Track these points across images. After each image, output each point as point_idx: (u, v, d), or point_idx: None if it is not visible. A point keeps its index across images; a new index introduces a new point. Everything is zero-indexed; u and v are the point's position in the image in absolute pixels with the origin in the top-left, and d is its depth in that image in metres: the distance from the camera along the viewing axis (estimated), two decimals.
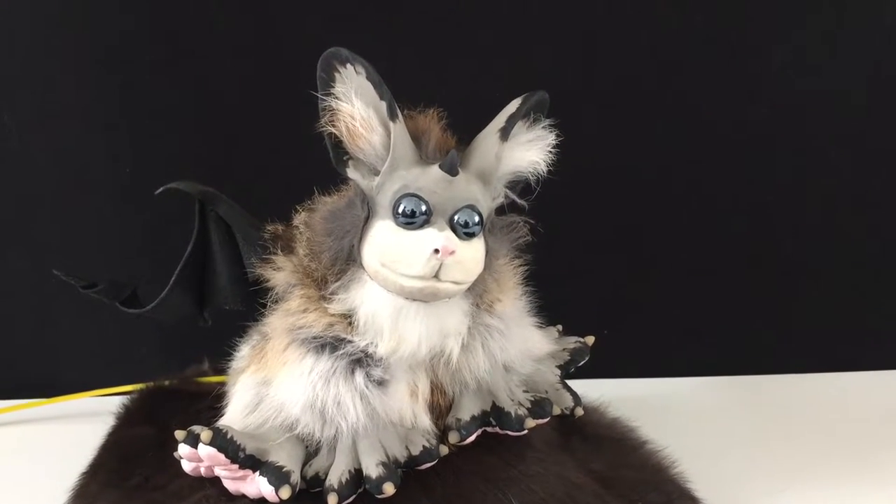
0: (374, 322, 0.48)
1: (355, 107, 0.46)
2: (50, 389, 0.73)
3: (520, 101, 0.50)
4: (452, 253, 0.45)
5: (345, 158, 0.48)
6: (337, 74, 0.46)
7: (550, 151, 0.49)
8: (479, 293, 0.50)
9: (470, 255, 0.47)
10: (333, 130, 0.47)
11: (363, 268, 0.48)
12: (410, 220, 0.46)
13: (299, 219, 0.51)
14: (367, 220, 0.47)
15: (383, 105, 0.46)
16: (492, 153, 0.49)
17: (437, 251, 0.44)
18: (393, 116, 0.46)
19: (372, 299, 0.48)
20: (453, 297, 0.48)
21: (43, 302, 0.77)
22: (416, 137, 0.48)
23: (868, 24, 0.75)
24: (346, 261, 0.48)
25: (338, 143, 0.48)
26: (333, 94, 0.46)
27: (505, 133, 0.48)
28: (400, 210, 0.46)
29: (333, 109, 0.47)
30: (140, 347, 0.78)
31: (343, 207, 0.49)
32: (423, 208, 0.46)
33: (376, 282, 0.47)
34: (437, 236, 0.45)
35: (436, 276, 0.45)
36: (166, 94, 0.73)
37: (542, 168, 0.49)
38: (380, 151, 0.47)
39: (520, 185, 0.51)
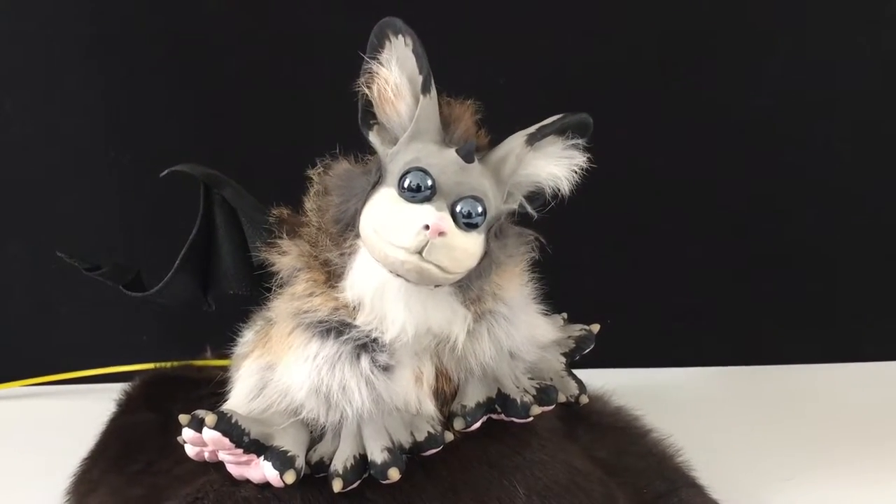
0: (357, 290, 0.47)
1: (392, 73, 0.47)
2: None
3: (558, 116, 0.50)
4: (442, 234, 0.44)
5: (371, 122, 0.48)
6: (387, 42, 0.47)
7: (575, 171, 0.49)
8: (472, 298, 0.49)
9: (462, 245, 0.46)
10: (367, 92, 0.48)
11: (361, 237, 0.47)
12: (413, 194, 0.46)
13: (313, 172, 0.50)
14: (376, 185, 0.47)
15: (420, 78, 0.47)
16: (513, 154, 0.48)
17: (427, 227, 0.44)
18: (426, 91, 0.47)
19: (361, 268, 0.47)
20: (441, 289, 0.47)
21: (43, 289, 0.77)
22: (447, 122, 0.48)
23: (872, 16, 0.75)
24: (348, 225, 0.48)
25: (368, 106, 0.48)
26: (378, 59, 0.47)
27: (532, 139, 0.48)
28: (406, 182, 0.46)
29: (373, 72, 0.47)
30: (141, 334, 0.78)
31: (359, 172, 0.49)
32: (429, 183, 0.46)
33: (366, 247, 0.47)
34: (431, 213, 0.45)
35: (420, 254, 0.45)
36: (169, 79, 0.73)
37: (563, 185, 0.49)
38: (404, 121, 0.48)
39: (538, 200, 0.50)
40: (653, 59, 0.75)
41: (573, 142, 0.49)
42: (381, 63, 0.47)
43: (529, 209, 0.50)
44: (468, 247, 0.47)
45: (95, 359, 0.74)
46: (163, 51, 0.73)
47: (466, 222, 0.46)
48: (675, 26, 0.74)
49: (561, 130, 0.49)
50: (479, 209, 0.47)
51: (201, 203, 0.52)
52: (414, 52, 0.47)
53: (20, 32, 0.72)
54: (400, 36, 0.47)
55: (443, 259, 0.45)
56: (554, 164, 0.49)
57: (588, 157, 0.49)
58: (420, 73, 0.47)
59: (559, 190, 0.49)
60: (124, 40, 0.72)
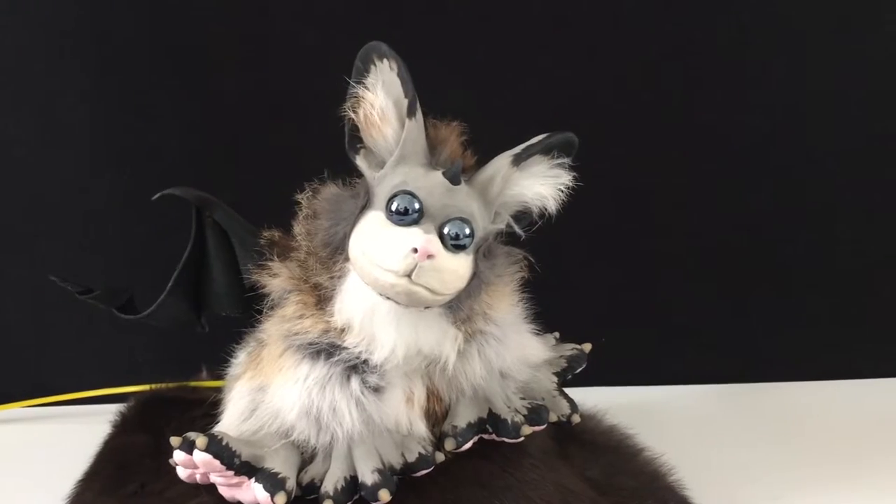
0: (347, 313, 0.48)
1: (378, 97, 0.47)
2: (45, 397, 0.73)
3: (543, 136, 0.50)
4: (431, 257, 0.45)
5: (357, 146, 0.49)
6: (372, 66, 0.48)
7: (561, 190, 0.49)
8: (461, 318, 0.49)
9: (450, 267, 0.46)
10: (353, 117, 0.48)
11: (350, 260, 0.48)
12: (401, 217, 0.46)
13: (302, 196, 0.51)
14: (364, 209, 0.48)
15: (406, 102, 0.47)
16: (499, 175, 0.49)
17: (415, 250, 0.44)
18: (411, 114, 0.47)
19: (350, 291, 0.48)
20: (431, 310, 0.48)
21: (39, 309, 0.77)
22: (433, 145, 0.49)
23: (868, 31, 0.75)
24: (337, 249, 0.48)
25: (354, 130, 0.49)
26: (363, 83, 0.48)
27: (518, 159, 0.49)
28: (393, 206, 0.46)
29: (359, 97, 0.48)
30: (136, 355, 0.78)
31: (347, 196, 0.49)
32: (416, 206, 0.46)
33: (355, 270, 0.47)
34: (419, 236, 0.45)
35: (409, 277, 0.45)
36: (166, 102, 0.74)
37: (550, 204, 0.49)
38: (391, 145, 0.48)
39: (526, 220, 0.51)
40: (648, 76, 0.75)
41: (559, 161, 0.50)
42: (366, 87, 0.48)
43: (517, 229, 0.50)
44: (457, 268, 0.47)
45: (91, 380, 0.74)
46: (160, 74, 0.73)
47: (454, 244, 0.47)
48: (670, 47, 0.75)
49: (546, 150, 0.50)
50: (467, 231, 0.47)
51: (193, 226, 0.53)
52: (399, 75, 0.47)
53: (21, 53, 0.72)
54: (385, 60, 0.47)
55: (432, 281, 0.45)
56: (540, 184, 0.49)
57: (574, 176, 0.49)
58: (406, 96, 0.47)
59: (546, 209, 0.49)
60: (125, 63, 0.73)
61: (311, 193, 0.51)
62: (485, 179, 0.49)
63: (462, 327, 0.50)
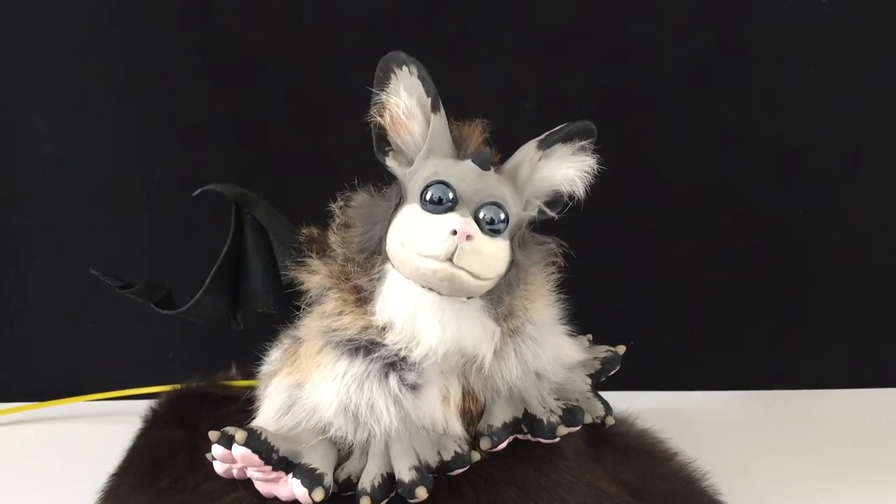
0: (389, 312, 0.48)
1: (402, 98, 0.49)
2: (77, 393, 0.74)
3: (564, 125, 0.51)
4: (470, 238, 0.45)
5: (385, 149, 0.50)
6: (393, 75, 0.49)
7: (587, 173, 0.50)
8: (503, 314, 0.50)
9: (489, 249, 0.47)
10: (379, 121, 0.49)
11: (389, 260, 0.48)
12: (436, 206, 0.47)
13: (336, 205, 0.52)
14: (398, 206, 0.48)
15: (429, 100, 0.48)
16: (526, 160, 0.50)
17: (454, 232, 0.45)
18: (435, 110, 0.49)
19: (391, 291, 0.48)
20: (472, 304, 0.48)
21: (71, 305, 0.78)
22: (458, 142, 0.50)
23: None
24: (374, 252, 0.49)
25: (381, 135, 0.50)
26: (385, 91, 0.49)
27: (543, 144, 0.50)
28: (427, 196, 0.47)
29: (382, 102, 0.49)
30: (167, 351, 0.78)
31: (379, 200, 0.50)
32: (451, 195, 0.47)
33: (395, 265, 0.48)
34: (456, 219, 0.46)
35: (451, 261, 0.45)
36: (199, 99, 0.74)
37: (578, 186, 0.50)
38: (418, 141, 0.49)
39: (557, 206, 0.51)
40: (680, 80, 0.75)
41: (581, 144, 0.50)
42: (389, 94, 0.49)
43: (550, 213, 0.51)
44: (495, 251, 0.47)
45: (121, 376, 0.74)
46: (194, 70, 0.74)
47: (490, 228, 0.47)
48: (700, 51, 0.74)
49: (567, 136, 0.51)
50: (502, 215, 0.48)
51: (232, 222, 0.53)
52: (420, 77, 0.48)
53: (52, 51, 0.73)
54: (404, 66, 0.48)
55: (472, 264, 0.46)
56: (567, 167, 0.50)
57: (598, 159, 0.50)
58: (428, 95, 0.49)
59: (576, 194, 0.50)
60: (156, 60, 0.73)
61: (343, 203, 0.51)
62: (513, 166, 0.50)
63: (502, 324, 0.50)
